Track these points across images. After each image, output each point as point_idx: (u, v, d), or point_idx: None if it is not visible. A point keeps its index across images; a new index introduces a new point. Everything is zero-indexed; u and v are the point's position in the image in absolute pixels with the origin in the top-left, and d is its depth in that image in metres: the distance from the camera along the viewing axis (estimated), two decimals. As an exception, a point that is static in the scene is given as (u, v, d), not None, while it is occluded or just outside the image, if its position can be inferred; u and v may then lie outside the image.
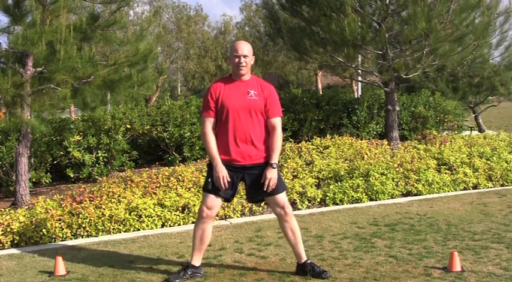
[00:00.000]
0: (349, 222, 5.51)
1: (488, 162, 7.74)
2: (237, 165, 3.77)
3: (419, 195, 6.82)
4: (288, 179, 6.98)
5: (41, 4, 6.23)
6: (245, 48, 3.73)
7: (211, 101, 3.75)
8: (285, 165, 7.45)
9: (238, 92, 3.75)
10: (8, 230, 5.16)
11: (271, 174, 3.72)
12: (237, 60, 3.71)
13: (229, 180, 3.72)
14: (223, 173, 3.69)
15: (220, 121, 3.77)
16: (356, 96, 12.70)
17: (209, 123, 3.76)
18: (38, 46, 5.80)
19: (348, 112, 10.60)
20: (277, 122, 3.79)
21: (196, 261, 3.90)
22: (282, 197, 3.84)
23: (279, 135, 3.77)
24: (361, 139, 9.72)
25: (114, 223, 5.43)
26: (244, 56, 3.71)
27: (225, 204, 5.68)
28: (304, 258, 3.91)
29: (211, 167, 3.80)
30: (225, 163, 3.74)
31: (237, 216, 5.89)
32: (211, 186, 3.78)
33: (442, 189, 6.99)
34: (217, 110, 3.76)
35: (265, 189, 3.73)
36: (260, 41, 22.23)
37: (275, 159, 3.75)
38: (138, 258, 4.48)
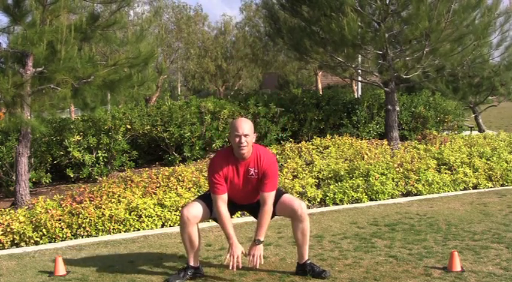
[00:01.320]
0: (349, 222, 5.51)
1: (488, 162, 7.74)
2: (234, 202, 3.92)
3: (419, 195, 6.82)
4: (288, 179, 6.98)
5: (41, 4, 6.23)
6: (246, 127, 3.65)
7: (221, 180, 3.73)
8: (285, 165, 7.44)
9: (241, 172, 3.76)
10: (8, 230, 5.16)
11: (256, 251, 3.73)
12: (237, 139, 3.64)
13: (244, 258, 3.78)
14: (238, 252, 3.70)
15: None
16: (356, 96, 12.70)
17: (222, 201, 3.75)
18: (38, 46, 5.80)
19: (348, 112, 10.60)
20: (268, 196, 3.74)
21: (194, 262, 3.89)
22: (289, 198, 3.84)
23: (268, 211, 3.75)
24: (361, 139, 9.72)
25: (114, 223, 5.43)
26: (245, 135, 3.64)
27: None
28: (305, 258, 3.91)
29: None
30: None
31: (237, 216, 5.88)
32: (203, 200, 3.84)
33: (442, 189, 6.99)
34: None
35: (250, 266, 3.76)
36: (260, 41, 22.22)
37: (261, 235, 3.74)
38: (138, 258, 4.48)
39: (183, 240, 3.83)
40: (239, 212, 5.92)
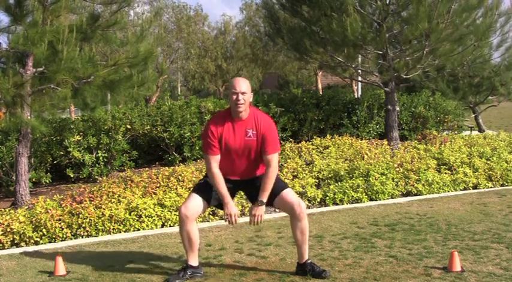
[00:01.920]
0: (349, 222, 5.51)
1: (488, 162, 7.74)
2: (235, 180, 3.87)
3: (419, 195, 6.82)
4: (288, 179, 6.98)
5: (42, 4, 6.23)
6: (243, 85, 3.70)
7: (215, 140, 3.74)
8: (285, 165, 7.45)
9: (238, 132, 3.75)
10: (8, 230, 5.16)
11: (258, 211, 3.76)
12: (234, 97, 3.68)
13: (239, 217, 3.77)
14: (234, 211, 3.73)
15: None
16: (356, 96, 12.70)
17: (215, 161, 3.76)
18: (39, 46, 5.80)
19: (348, 112, 10.60)
20: (272, 158, 3.76)
21: (193, 262, 3.89)
22: (289, 195, 3.83)
23: (272, 172, 3.75)
24: (361, 139, 9.72)
25: (114, 223, 5.43)
26: (242, 93, 3.67)
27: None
28: (305, 258, 3.91)
29: (207, 177, 3.87)
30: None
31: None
32: (199, 191, 3.81)
33: (442, 189, 6.99)
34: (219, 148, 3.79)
35: (250, 224, 3.78)
36: (260, 41, 22.22)
37: (264, 197, 3.75)
38: (138, 258, 4.48)
39: (182, 238, 3.83)
40: (239, 212, 5.91)
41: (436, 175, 7.16)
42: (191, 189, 3.89)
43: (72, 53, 5.92)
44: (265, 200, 3.75)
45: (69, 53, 5.88)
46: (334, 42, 9.07)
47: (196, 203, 3.78)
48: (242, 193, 5.87)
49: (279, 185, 3.84)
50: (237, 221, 3.75)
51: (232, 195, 3.88)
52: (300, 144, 8.78)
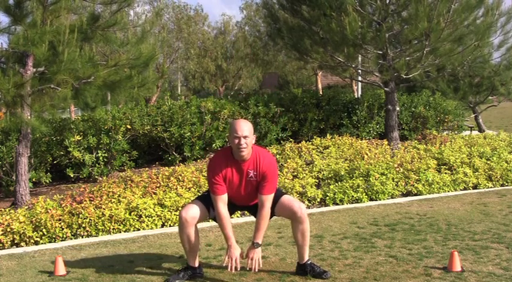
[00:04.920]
0: (349, 222, 5.51)
1: (488, 162, 7.74)
2: (240, 205, 3.96)
3: (419, 195, 6.82)
4: (288, 179, 6.99)
5: (42, 4, 6.23)
6: (245, 128, 3.60)
7: (221, 180, 3.69)
8: (285, 165, 7.45)
9: (240, 173, 3.72)
10: (8, 230, 5.17)
11: (255, 255, 3.68)
12: (236, 141, 3.59)
13: (242, 261, 3.72)
14: (236, 254, 3.67)
15: None
16: (356, 96, 12.70)
17: (222, 202, 3.71)
18: (39, 47, 5.80)
19: (348, 112, 10.60)
20: (266, 199, 3.70)
21: (194, 262, 3.89)
22: (289, 199, 3.82)
23: (266, 214, 3.71)
24: (361, 139, 9.72)
25: (114, 223, 5.44)
26: (245, 137, 3.58)
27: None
28: (306, 258, 3.91)
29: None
30: None
31: (237, 216, 5.89)
32: (201, 199, 3.81)
33: (442, 189, 6.99)
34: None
35: (248, 269, 3.73)
36: (260, 40, 22.24)
37: (259, 238, 3.70)
38: (138, 258, 4.48)
39: (182, 241, 3.82)
40: (239, 212, 5.92)
41: (436, 175, 7.16)
42: (195, 196, 3.89)
43: (73, 54, 5.92)
44: (260, 242, 3.70)
45: (69, 54, 5.88)
46: (334, 41, 9.07)
47: (196, 208, 3.75)
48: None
49: (277, 193, 3.81)
50: (238, 268, 3.66)
51: (234, 210, 3.91)
52: (300, 144, 8.78)
